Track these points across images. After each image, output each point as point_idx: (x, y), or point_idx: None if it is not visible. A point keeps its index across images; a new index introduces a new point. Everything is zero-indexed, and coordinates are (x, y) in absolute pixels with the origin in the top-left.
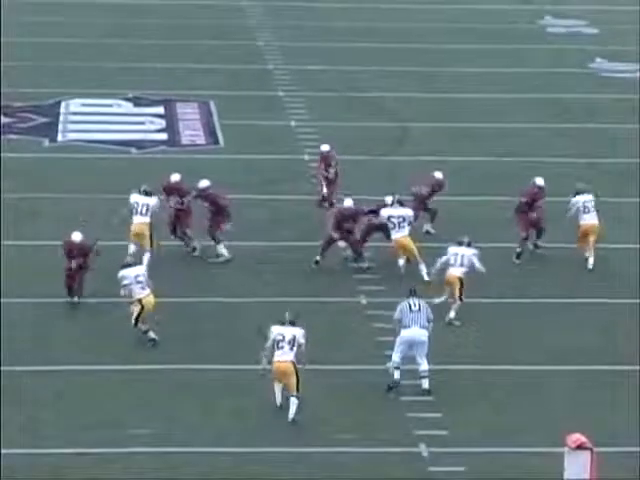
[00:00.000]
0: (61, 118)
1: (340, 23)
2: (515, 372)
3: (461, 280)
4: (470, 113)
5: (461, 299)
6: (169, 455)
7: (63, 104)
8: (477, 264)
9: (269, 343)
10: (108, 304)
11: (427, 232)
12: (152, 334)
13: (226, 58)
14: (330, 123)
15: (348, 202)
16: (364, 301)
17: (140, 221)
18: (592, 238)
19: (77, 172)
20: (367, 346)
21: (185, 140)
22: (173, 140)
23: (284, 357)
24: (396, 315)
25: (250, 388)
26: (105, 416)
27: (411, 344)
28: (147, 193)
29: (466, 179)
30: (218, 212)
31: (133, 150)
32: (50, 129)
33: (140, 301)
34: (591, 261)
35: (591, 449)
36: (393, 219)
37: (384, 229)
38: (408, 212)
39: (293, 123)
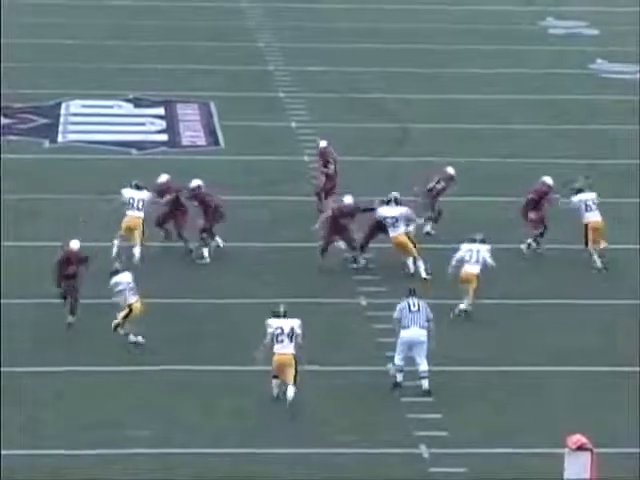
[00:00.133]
0: (61, 119)
1: (340, 24)
2: (515, 373)
3: (478, 277)
4: (471, 114)
5: (475, 292)
6: (168, 456)
7: (63, 105)
8: (489, 260)
9: (268, 338)
10: (108, 305)
11: (427, 233)
12: (133, 337)
13: (226, 59)
14: (331, 124)
15: (348, 199)
16: (364, 302)
17: (135, 215)
18: (597, 235)
19: (77, 173)
20: (367, 347)
21: (185, 141)
22: (173, 141)
23: (285, 350)
24: (395, 315)
25: (249, 389)
26: (104, 417)
27: (411, 344)
28: (139, 187)
29: (467, 180)
30: (207, 212)
31: (133, 151)
32: (50, 130)
33: (130, 306)
34: (597, 259)
35: (591, 450)
36: (388, 219)
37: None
38: (402, 210)
39: (294, 124)
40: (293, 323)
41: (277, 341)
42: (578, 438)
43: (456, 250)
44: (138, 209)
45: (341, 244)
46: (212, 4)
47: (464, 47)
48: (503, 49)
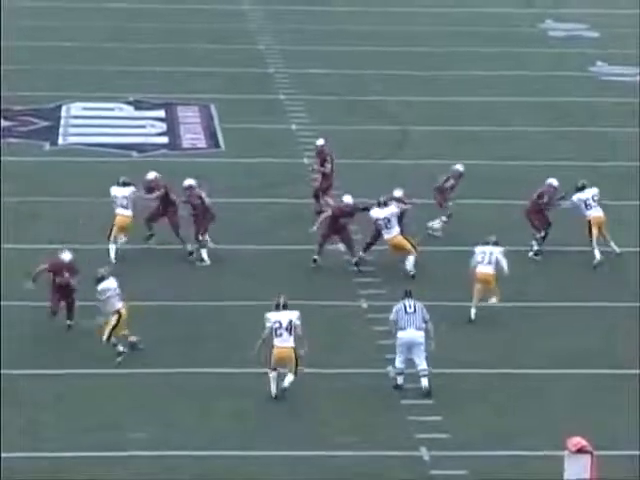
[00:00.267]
0: (62, 122)
1: (341, 27)
2: (516, 375)
3: (494, 277)
4: (471, 116)
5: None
6: (167, 458)
7: (64, 108)
8: (503, 262)
9: (266, 331)
10: None
11: (430, 233)
12: (121, 347)
13: (227, 61)
14: (331, 126)
15: (348, 198)
16: (365, 305)
17: (124, 214)
18: (602, 228)
19: (78, 175)
20: (368, 349)
21: (186, 143)
22: (174, 143)
23: (285, 344)
24: (391, 317)
25: (248, 391)
26: (104, 419)
27: (409, 346)
28: (125, 184)
29: (467, 182)
30: (197, 213)
31: (134, 154)
32: (51, 133)
33: (118, 312)
34: (597, 253)
35: (591, 452)
36: (380, 221)
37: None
38: (392, 210)
39: (294, 126)
40: (291, 316)
41: (276, 335)
42: (578, 440)
43: (457, 252)
44: (123, 206)
45: (340, 246)
46: (212, 6)
47: (464, 49)
48: (503, 51)
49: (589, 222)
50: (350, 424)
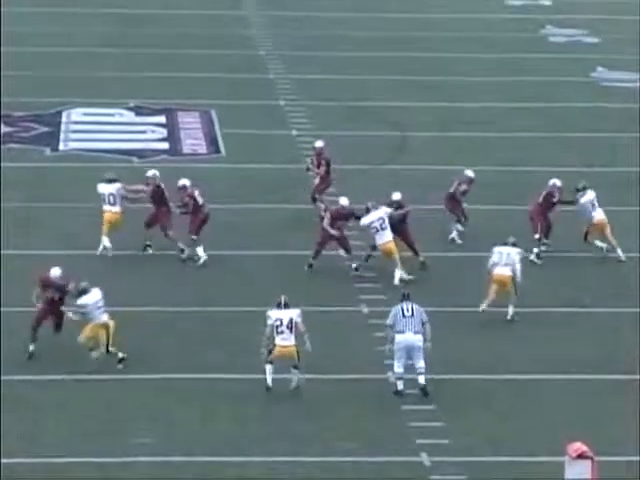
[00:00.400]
0: (62, 127)
1: (341, 32)
2: (516, 381)
3: (511, 278)
4: (471, 122)
5: (516, 292)
6: (170, 464)
7: (64, 113)
8: (518, 265)
9: (268, 329)
10: (110, 313)
11: (452, 240)
12: (95, 354)
13: (227, 67)
14: (331, 132)
15: (344, 201)
16: (365, 310)
17: (111, 210)
18: (607, 231)
19: (79, 181)
20: (368, 355)
21: (186, 149)
22: (174, 149)
23: (286, 342)
24: (389, 321)
25: (250, 396)
26: (105, 425)
27: (408, 349)
28: (111, 181)
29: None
30: (187, 210)
31: (135, 159)
32: (52, 138)
33: (104, 325)
34: (614, 243)
35: (592, 458)
36: (374, 224)
37: (401, 230)
38: (385, 210)
39: (294, 132)
40: (292, 314)
41: (277, 332)
42: (579, 446)
43: (457, 258)
44: (110, 203)
45: (341, 252)
46: (213, 12)
47: (464, 55)
48: (503, 57)
49: (593, 225)
50: (351, 430)
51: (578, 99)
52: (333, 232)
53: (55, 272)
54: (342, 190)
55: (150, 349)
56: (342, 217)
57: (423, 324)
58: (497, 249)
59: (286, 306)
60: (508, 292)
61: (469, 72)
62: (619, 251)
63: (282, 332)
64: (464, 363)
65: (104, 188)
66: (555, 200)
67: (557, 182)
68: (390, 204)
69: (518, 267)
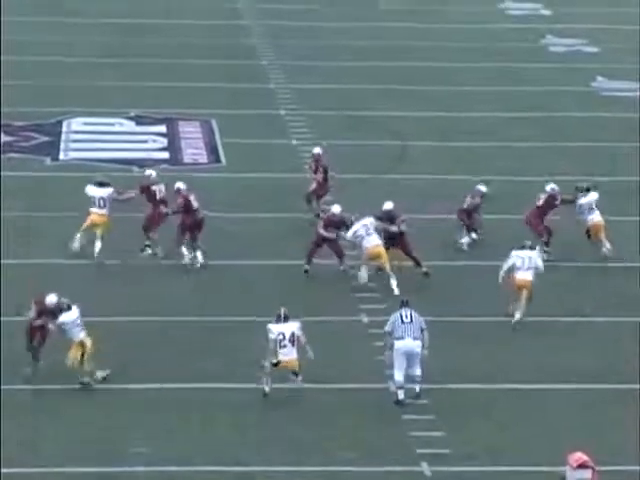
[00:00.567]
0: (63, 137)
1: (341, 42)
2: (517, 391)
3: (532, 283)
4: (471, 131)
5: (530, 299)
6: (168, 473)
7: (65, 123)
8: (540, 265)
9: (271, 344)
10: (103, 323)
11: (461, 245)
12: (86, 379)
13: (228, 77)
14: (331, 141)
15: (336, 209)
16: (365, 319)
17: (98, 212)
18: (602, 234)
19: (79, 191)
20: (368, 364)
21: (187, 159)
22: (175, 159)
23: (289, 356)
24: (387, 327)
25: (249, 406)
26: (104, 434)
27: (407, 355)
28: (102, 184)
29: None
30: (177, 210)
31: (135, 169)
32: (52, 148)
33: (81, 343)
34: (608, 246)
35: (593, 468)
36: (359, 232)
37: (398, 241)
38: (370, 220)
39: (295, 142)
40: (293, 327)
41: (280, 346)
42: (580, 456)
43: (458, 267)
44: (99, 206)
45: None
46: (214, 22)
47: (464, 65)
48: (503, 66)
49: (590, 227)
50: (351, 439)
51: (578, 109)
52: (325, 234)
53: (51, 299)
54: (342, 199)
55: (149, 358)
56: (334, 224)
57: (422, 331)
58: (516, 253)
59: (286, 319)
60: (525, 296)
61: (469, 82)
62: (606, 247)
63: (285, 346)
64: (464, 372)
65: (95, 191)
66: (558, 202)
67: (555, 187)
68: (380, 216)
69: (540, 266)
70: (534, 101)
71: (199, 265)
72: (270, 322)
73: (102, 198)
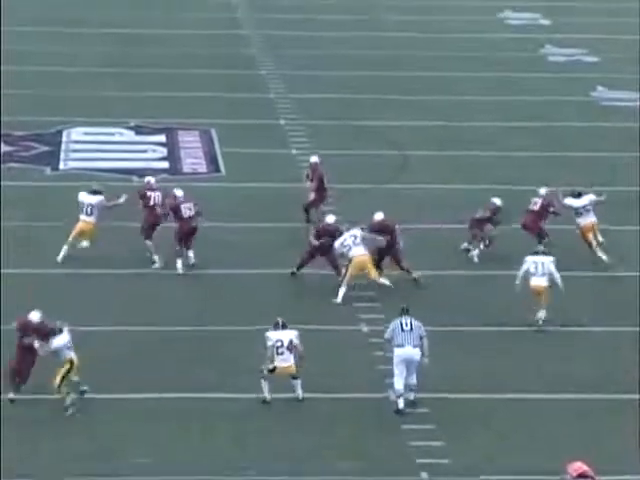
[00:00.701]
0: (63, 146)
1: (341, 52)
2: (517, 400)
3: (547, 289)
4: (471, 141)
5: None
6: None
7: (65, 132)
8: (556, 274)
9: (269, 351)
10: (103, 332)
11: (466, 250)
12: (70, 399)
13: (227, 86)
14: (331, 151)
15: (331, 218)
16: (365, 329)
17: (86, 220)
18: (590, 235)
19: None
20: (368, 374)
21: (187, 168)
22: (175, 168)
23: (286, 363)
24: (387, 335)
25: (248, 415)
26: (104, 445)
27: (407, 363)
28: (95, 192)
29: (466, 207)
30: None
31: (135, 178)
32: (52, 157)
33: (70, 361)
34: (597, 249)
35: (593, 478)
36: (347, 241)
37: (393, 252)
38: (358, 231)
39: (294, 151)
40: (291, 335)
41: (277, 353)
42: (579, 466)
43: (459, 277)
44: (87, 214)
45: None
46: (213, 31)
47: (464, 74)
48: (503, 76)
49: (580, 228)
50: (351, 449)
51: (578, 118)
52: (315, 242)
53: (34, 316)
54: (342, 209)
55: (148, 368)
56: (327, 234)
57: (421, 339)
58: (530, 259)
59: (284, 327)
60: (543, 301)
61: (469, 91)
62: (599, 251)
63: (282, 353)
64: (464, 382)
65: (86, 198)
66: (552, 210)
67: (547, 190)
68: (372, 227)
69: (557, 276)
70: (534, 111)
71: (191, 264)
72: (268, 330)
73: (91, 205)
